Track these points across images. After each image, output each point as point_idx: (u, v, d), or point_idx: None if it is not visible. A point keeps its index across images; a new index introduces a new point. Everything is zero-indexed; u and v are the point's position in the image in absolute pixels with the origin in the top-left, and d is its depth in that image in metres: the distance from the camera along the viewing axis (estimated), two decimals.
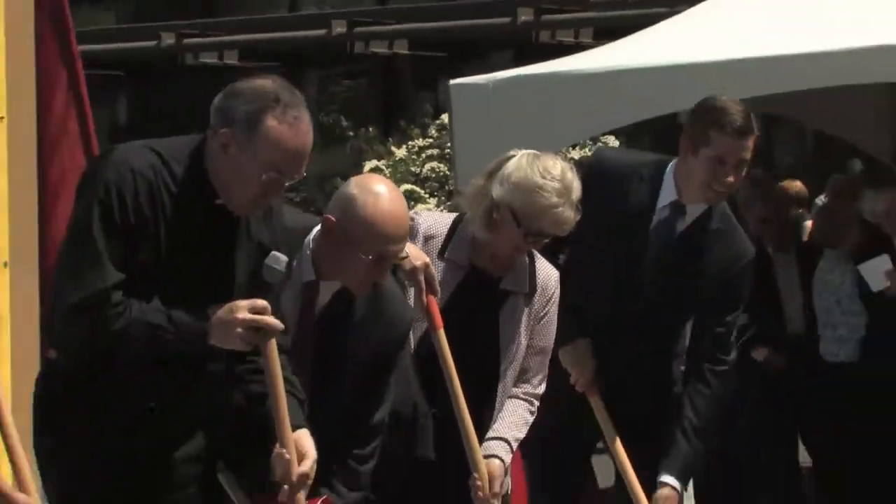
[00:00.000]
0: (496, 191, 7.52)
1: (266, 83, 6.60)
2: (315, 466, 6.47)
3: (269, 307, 6.27)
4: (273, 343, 6.31)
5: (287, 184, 6.56)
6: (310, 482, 6.46)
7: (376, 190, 7.08)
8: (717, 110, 8.28)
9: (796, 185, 14.71)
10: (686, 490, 8.44)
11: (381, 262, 6.93)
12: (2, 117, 9.95)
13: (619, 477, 8.32)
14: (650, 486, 8.17)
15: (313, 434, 6.83)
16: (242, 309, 6.23)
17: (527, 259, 7.69)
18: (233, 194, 6.47)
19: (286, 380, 6.52)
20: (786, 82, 12.94)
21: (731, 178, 8.20)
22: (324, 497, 6.70)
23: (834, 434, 14.13)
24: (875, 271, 13.08)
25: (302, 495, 6.41)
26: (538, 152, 7.76)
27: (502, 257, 7.62)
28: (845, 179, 14.82)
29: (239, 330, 6.19)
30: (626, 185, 8.33)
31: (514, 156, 7.67)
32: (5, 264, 9.10)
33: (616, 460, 8.01)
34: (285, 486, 6.34)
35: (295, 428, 6.50)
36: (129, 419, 6.44)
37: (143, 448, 6.44)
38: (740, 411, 12.10)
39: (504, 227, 7.49)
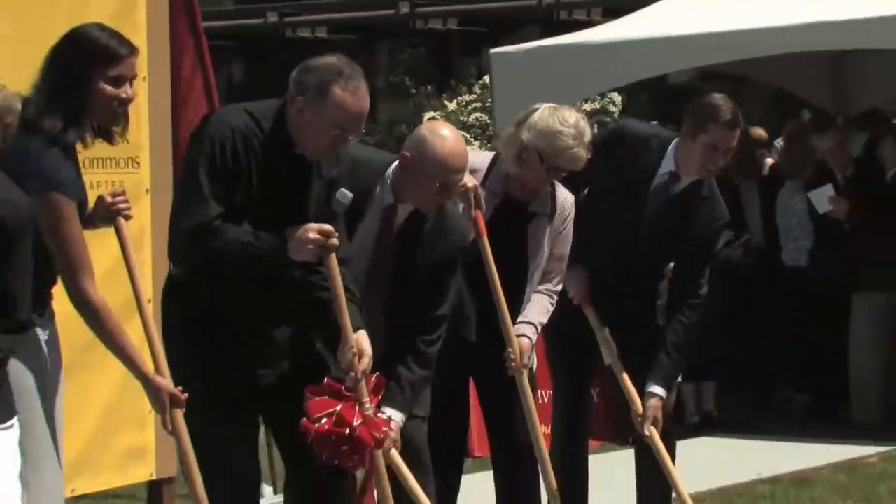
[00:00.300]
0: (525, 136, 7.56)
1: (333, 60, 6.69)
2: (371, 362, 6.50)
3: (332, 230, 6.33)
4: (333, 257, 6.41)
5: (350, 137, 6.61)
6: (367, 372, 6.49)
7: (443, 133, 7.19)
8: (712, 107, 8.30)
9: (759, 131, 14.70)
10: (671, 392, 8.38)
11: (445, 189, 7.04)
12: (144, 77, 9.80)
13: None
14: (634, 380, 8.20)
15: (387, 326, 7.10)
16: (312, 230, 6.33)
17: (549, 187, 7.71)
18: (307, 146, 6.58)
19: (346, 288, 6.57)
20: (751, 50, 12.99)
21: (720, 161, 8.29)
22: (376, 374, 6.58)
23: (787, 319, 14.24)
24: (821, 197, 12.97)
25: (363, 383, 6.44)
26: (557, 105, 7.81)
27: (530, 187, 7.68)
28: (797, 125, 14.80)
29: (309, 245, 6.29)
30: (638, 150, 8.36)
31: (537, 109, 7.72)
32: (147, 191, 9.31)
33: (605, 349, 7.97)
34: (350, 374, 6.37)
35: (355, 329, 6.54)
36: (233, 311, 6.52)
37: (245, 332, 6.52)
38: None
39: (531, 163, 7.55)
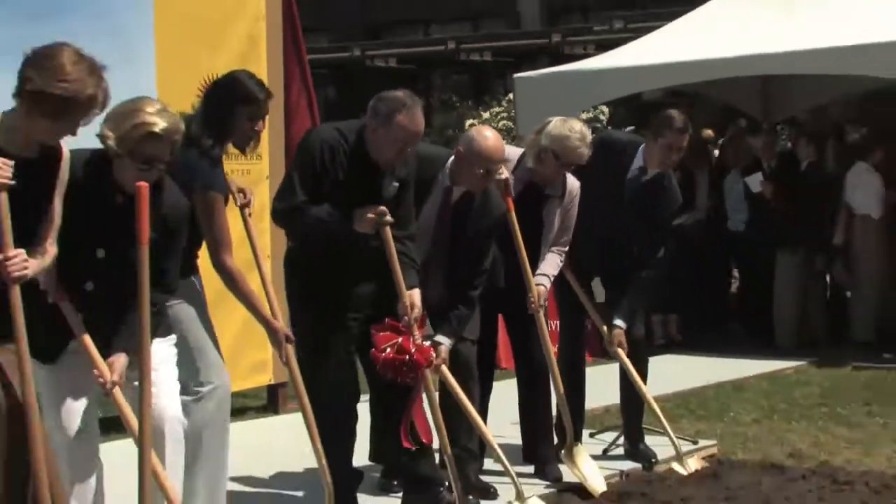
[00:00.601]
0: (542, 141, 7.62)
1: (398, 94, 6.79)
2: (420, 311, 6.72)
3: (386, 210, 6.49)
4: (388, 230, 6.54)
5: (409, 149, 6.79)
6: (417, 318, 6.68)
7: (486, 134, 7.32)
8: (668, 117, 8.36)
9: (709, 132, 14.75)
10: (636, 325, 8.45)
11: (487, 174, 7.15)
12: None
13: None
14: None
15: (445, 276, 7.31)
16: (371, 209, 6.45)
17: (562, 177, 7.78)
18: (379, 157, 6.67)
19: (405, 254, 6.78)
20: (702, 75, 12.98)
21: (675, 157, 8.35)
22: (428, 344, 6.73)
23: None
24: (754, 182, 13.18)
25: (415, 326, 6.61)
26: (565, 118, 7.87)
27: (547, 177, 7.76)
28: (736, 129, 14.92)
29: (368, 218, 6.44)
30: (620, 154, 8.39)
31: (551, 120, 7.79)
32: (266, 177, 9.67)
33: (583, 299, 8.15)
34: (405, 318, 6.56)
35: (410, 287, 6.70)
36: (331, 272, 6.69)
37: (340, 287, 6.68)
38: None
39: (547, 161, 7.62)
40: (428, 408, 6.96)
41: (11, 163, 4.63)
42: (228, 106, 6.26)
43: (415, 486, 7.05)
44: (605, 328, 8.13)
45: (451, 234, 7.35)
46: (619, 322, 8.17)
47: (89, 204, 5.26)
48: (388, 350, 6.47)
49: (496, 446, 7.15)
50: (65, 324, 5.29)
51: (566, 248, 7.96)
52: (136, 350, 5.23)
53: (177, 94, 9.33)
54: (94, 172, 5.31)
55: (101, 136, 5.28)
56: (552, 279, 7.89)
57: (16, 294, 4.63)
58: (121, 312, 5.37)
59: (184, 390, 5.94)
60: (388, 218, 6.55)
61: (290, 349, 6.31)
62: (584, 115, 14.90)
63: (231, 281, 6.20)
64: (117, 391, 5.19)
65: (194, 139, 6.10)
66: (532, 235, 7.75)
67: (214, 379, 6.15)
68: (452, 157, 7.35)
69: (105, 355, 5.36)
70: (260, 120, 6.38)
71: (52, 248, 4.99)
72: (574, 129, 7.68)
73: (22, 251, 4.67)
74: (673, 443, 7.96)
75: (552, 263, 7.90)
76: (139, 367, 5.19)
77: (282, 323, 6.39)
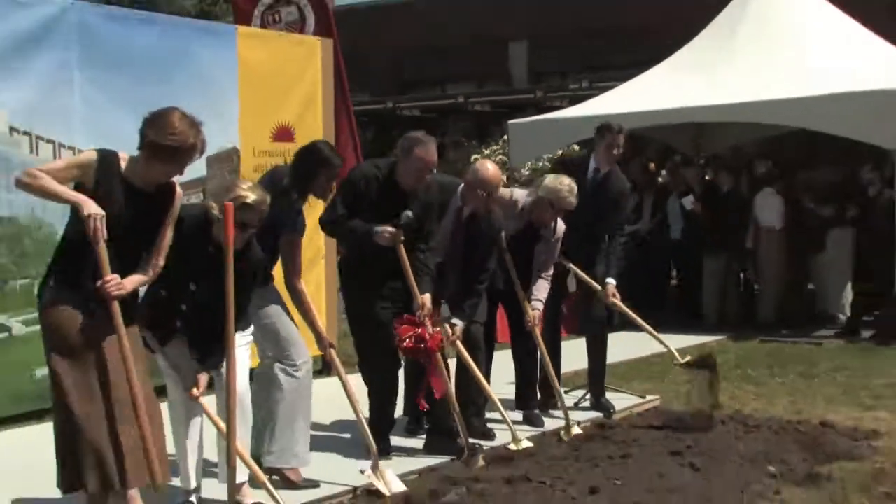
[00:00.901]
0: (540, 192, 7.52)
1: (417, 133, 6.85)
2: (430, 311, 6.70)
3: (400, 231, 6.51)
4: (401, 246, 6.56)
5: (428, 176, 6.81)
6: (429, 314, 6.66)
7: (487, 166, 7.26)
8: (607, 127, 8.32)
9: (652, 164, 14.66)
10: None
11: (488, 197, 7.14)
12: (319, 137, 9.91)
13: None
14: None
15: (458, 276, 7.27)
16: (388, 229, 6.47)
17: (553, 221, 7.67)
18: (404, 182, 6.69)
19: (424, 264, 6.85)
20: (645, 122, 12.80)
21: (616, 153, 8.28)
22: (438, 330, 6.72)
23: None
24: (688, 202, 13.22)
25: (427, 321, 6.60)
26: (557, 174, 7.81)
27: (543, 221, 7.63)
28: (673, 162, 14.78)
29: (385, 236, 6.49)
30: (578, 166, 8.43)
31: (546, 177, 7.76)
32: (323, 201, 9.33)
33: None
34: (418, 314, 6.58)
35: (423, 292, 6.71)
36: (371, 272, 6.74)
37: (379, 284, 6.74)
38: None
39: (544, 208, 7.52)
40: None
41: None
42: (312, 169, 6.30)
43: (435, 433, 7.08)
44: (599, 288, 8.14)
45: (462, 243, 7.32)
46: (609, 280, 8.19)
47: (190, 252, 5.34)
48: (408, 340, 6.52)
49: (496, 400, 7.19)
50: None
51: (551, 273, 7.82)
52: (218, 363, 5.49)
53: (254, 136, 9.57)
54: (198, 229, 5.38)
55: (207, 206, 5.43)
56: (544, 301, 7.76)
57: (115, 306, 4.71)
58: (205, 330, 5.45)
59: (279, 363, 6.13)
60: (401, 237, 6.57)
61: (333, 352, 6.37)
62: (559, 152, 14.90)
63: (298, 298, 6.29)
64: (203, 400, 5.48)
65: (286, 191, 6.23)
66: (526, 262, 7.71)
67: (303, 357, 6.23)
68: (462, 185, 7.34)
69: (199, 360, 5.54)
70: (335, 179, 6.43)
71: (159, 263, 5.05)
72: (564, 183, 7.58)
73: (116, 276, 4.74)
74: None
75: (543, 288, 7.78)
76: (226, 354, 5.31)
77: (327, 335, 6.45)
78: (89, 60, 8.30)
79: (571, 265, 8.19)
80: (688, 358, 8.37)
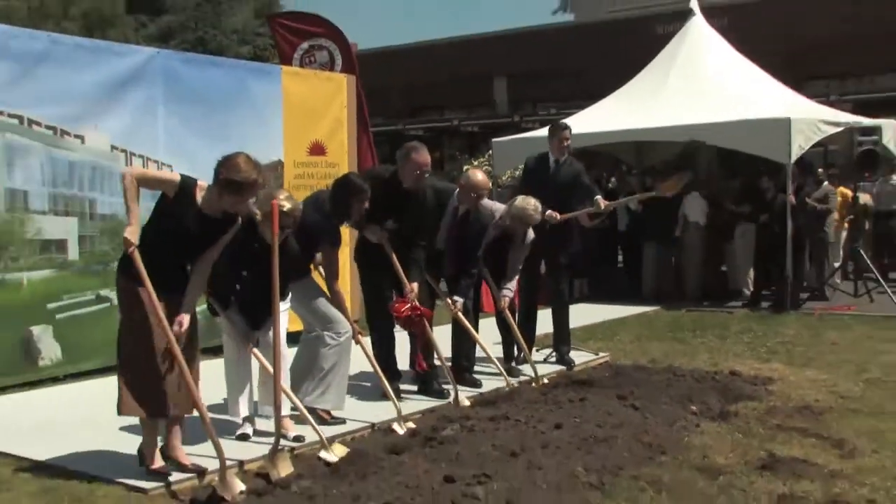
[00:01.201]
0: (513, 211, 7.34)
1: (413, 143, 6.82)
2: (416, 296, 6.66)
3: (386, 233, 6.64)
4: (387, 242, 6.63)
5: (426, 175, 6.76)
6: (415, 297, 6.64)
7: (477, 174, 7.28)
8: (557, 127, 8.30)
9: (603, 173, 14.60)
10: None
11: (478, 198, 7.12)
12: (345, 152, 9.95)
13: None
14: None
15: (454, 262, 7.24)
16: (376, 230, 6.61)
17: (524, 230, 7.49)
18: (406, 182, 6.68)
19: (414, 258, 6.80)
20: (596, 140, 12.80)
21: (565, 145, 8.19)
22: (414, 304, 6.63)
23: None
24: (633, 201, 12.97)
25: (415, 300, 6.61)
26: (525, 196, 7.48)
27: (515, 232, 7.45)
28: (619, 171, 14.82)
29: (373, 236, 6.66)
30: (544, 158, 8.25)
31: (518, 199, 7.44)
32: None
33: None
34: (409, 295, 6.63)
35: (412, 280, 6.70)
36: (379, 260, 6.71)
37: (385, 268, 6.71)
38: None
39: (516, 222, 7.37)
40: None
41: (183, 321, 4.94)
42: (346, 197, 6.22)
43: (427, 383, 7.09)
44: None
45: (457, 235, 7.28)
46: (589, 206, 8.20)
47: (242, 246, 5.40)
48: (405, 310, 6.56)
49: (491, 354, 7.41)
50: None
51: (520, 268, 7.66)
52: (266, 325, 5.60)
53: (294, 151, 9.60)
54: (245, 230, 5.37)
55: (251, 212, 5.43)
56: (513, 290, 7.62)
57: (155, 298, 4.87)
58: (254, 303, 5.56)
59: (326, 332, 6.13)
60: (386, 236, 6.65)
61: (360, 337, 6.33)
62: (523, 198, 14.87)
63: (336, 298, 6.21)
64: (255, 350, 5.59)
65: (328, 217, 6.23)
66: (500, 264, 7.59)
67: (346, 328, 6.21)
68: (457, 189, 7.31)
69: (254, 326, 5.67)
70: (364, 204, 6.28)
71: (208, 270, 5.11)
72: (530, 204, 7.40)
73: (180, 326, 4.94)
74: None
75: (514, 279, 7.62)
76: (273, 320, 5.44)
77: (351, 322, 6.33)
78: (170, 95, 8.45)
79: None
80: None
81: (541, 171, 8.26)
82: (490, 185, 7.80)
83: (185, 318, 4.95)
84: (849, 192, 13.24)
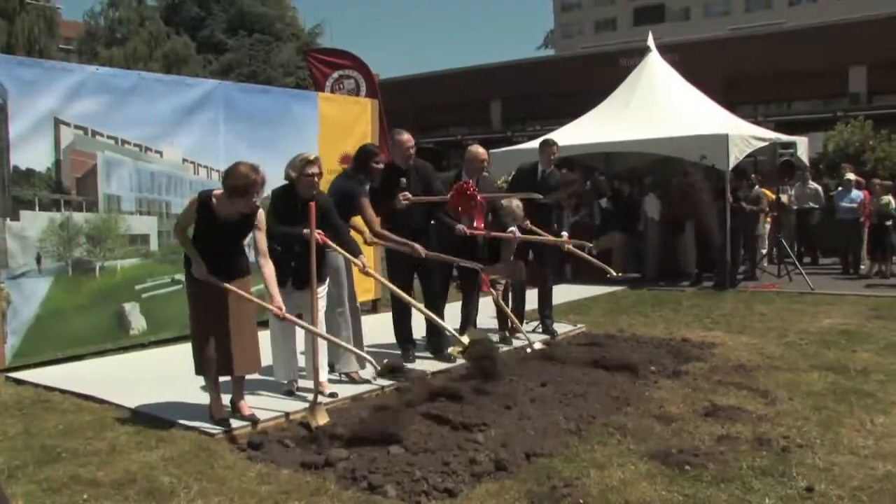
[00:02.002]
0: (503, 212, 7.26)
1: (396, 129, 6.80)
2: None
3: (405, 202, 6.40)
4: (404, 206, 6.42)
5: (412, 152, 6.55)
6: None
7: (476, 147, 7.28)
8: (546, 142, 8.16)
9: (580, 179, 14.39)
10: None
11: (481, 166, 7.15)
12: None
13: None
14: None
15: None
16: (397, 199, 6.40)
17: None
18: (398, 162, 6.56)
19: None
20: (574, 152, 12.57)
21: (553, 157, 8.08)
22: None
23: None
24: (603, 201, 13.07)
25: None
26: (510, 199, 7.34)
27: (506, 223, 7.27)
28: (594, 178, 14.30)
29: (399, 204, 6.39)
30: (534, 168, 8.08)
31: (504, 201, 7.32)
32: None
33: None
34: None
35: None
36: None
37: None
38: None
39: (507, 217, 7.26)
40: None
41: (281, 304, 4.98)
42: (364, 158, 6.20)
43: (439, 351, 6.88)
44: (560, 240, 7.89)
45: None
46: (563, 233, 8.18)
47: (287, 206, 5.41)
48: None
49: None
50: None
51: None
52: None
53: (327, 161, 9.21)
54: (287, 193, 5.43)
55: (287, 174, 5.47)
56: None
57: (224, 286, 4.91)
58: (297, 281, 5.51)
59: (342, 308, 6.02)
60: (405, 205, 6.39)
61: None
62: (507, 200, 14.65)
63: (382, 237, 6.22)
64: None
65: (352, 175, 6.22)
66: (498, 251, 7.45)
67: (351, 301, 6.12)
68: (465, 163, 7.19)
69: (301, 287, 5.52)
70: (378, 159, 6.22)
71: (266, 252, 5.06)
72: (514, 204, 7.30)
73: (280, 307, 4.96)
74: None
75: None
76: (311, 288, 5.36)
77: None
78: (229, 117, 8.41)
79: (542, 233, 7.76)
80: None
81: (531, 177, 8.10)
82: (487, 156, 7.60)
83: (279, 300, 4.97)
84: (771, 194, 13.23)
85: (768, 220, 13.82)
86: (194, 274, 4.87)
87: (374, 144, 6.51)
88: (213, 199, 4.87)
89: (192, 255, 4.90)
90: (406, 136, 6.62)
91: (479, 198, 6.72)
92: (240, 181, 4.76)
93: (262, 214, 5.03)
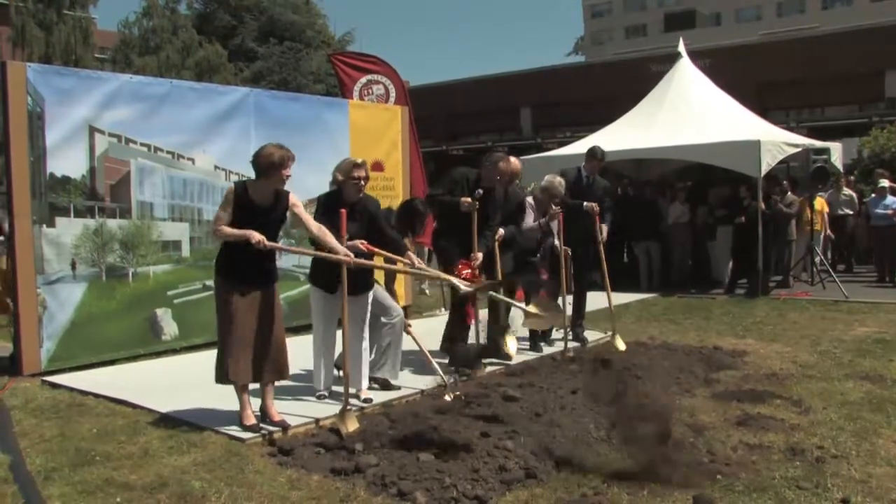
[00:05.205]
0: (543, 184, 7.37)
1: (501, 154, 6.82)
2: (479, 263, 6.38)
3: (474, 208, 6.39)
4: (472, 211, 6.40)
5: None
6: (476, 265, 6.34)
7: (512, 160, 7.13)
8: (593, 152, 8.11)
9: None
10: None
11: (513, 175, 7.13)
12: (400, 168, 9.90)
13: None
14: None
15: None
16: (467, 201, 6.45)
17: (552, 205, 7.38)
18: (486, 181, 6.61)
19: (484, 236, 6.52)
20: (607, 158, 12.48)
21: (597, 165, 8.09)
22: (475, 270, 6.29)
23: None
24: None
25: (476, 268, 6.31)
26: (553, 174, 7.52)
27: (543, 208, 7.40)
28: (623, 183, 14.37)
29: (466, 207, 6.42)
30: (575, 172, 8.10)
31: (546, 176, 7.47)
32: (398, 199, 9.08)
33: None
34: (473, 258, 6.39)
35: (479, 251, 6.47)
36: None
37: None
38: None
39: (545, 195, 7.37)
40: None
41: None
42: (411, 221, 6.39)
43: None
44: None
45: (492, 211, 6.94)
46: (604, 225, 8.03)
47: (333, 207, 5.38)
48: (466, 273, 6.14)
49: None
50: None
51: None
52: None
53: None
54: (335, 195, 5.47)
55: (334, 178, 5.52)
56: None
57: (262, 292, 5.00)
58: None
59: (383, 317, 5.99)
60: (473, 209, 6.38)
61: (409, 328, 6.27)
62: (555, 174, 14.65)
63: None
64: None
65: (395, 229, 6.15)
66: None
67: (398, 311, 6.13)
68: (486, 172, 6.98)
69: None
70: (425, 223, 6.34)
71: (327, 231, 5.07)
72: (558, 179, 7.42)
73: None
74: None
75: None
76: (342, 293, 5.35)
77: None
78: (260, 124, 8.47)
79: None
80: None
81: (577, 182, 8.07)
82: (520, 167, 7.59)
83: (343, 249, 5.05)
84: (805, 202, 13.08)
85: (817, 227, 13.53)
86: (251, 240, 4.78)
87: (423, 203, 6.44)
88: (248, 187, 4.92)
89: (237, 236, 4.82)
90: (507, 167, 6.75)
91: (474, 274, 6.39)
92: (274, 155, 4.83)
93: (294, 196, 5.07)
